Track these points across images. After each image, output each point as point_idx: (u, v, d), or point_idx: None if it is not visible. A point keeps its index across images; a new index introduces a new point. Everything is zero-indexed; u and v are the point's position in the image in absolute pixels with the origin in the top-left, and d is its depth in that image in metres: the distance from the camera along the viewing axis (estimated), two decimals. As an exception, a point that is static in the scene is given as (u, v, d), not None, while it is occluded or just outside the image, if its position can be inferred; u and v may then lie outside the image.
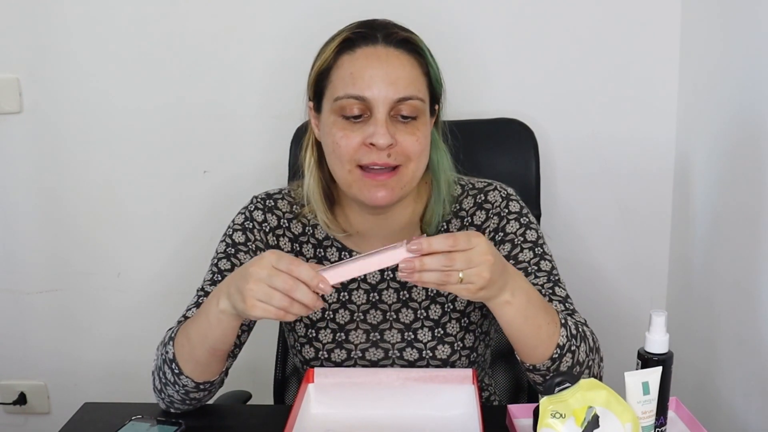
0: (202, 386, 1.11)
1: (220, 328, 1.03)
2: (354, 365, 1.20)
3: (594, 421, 0.89)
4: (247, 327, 1.20)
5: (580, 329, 1.09)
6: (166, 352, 1.11)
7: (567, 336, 1.05)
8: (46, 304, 1.95)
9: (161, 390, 1.13)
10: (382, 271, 1.22)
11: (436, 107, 1.19)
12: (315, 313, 1.21)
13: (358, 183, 1.11)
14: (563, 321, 1.06)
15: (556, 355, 1.05)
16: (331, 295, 1.22)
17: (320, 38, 1.18)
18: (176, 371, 1.09)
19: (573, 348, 1.06)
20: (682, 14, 1.68)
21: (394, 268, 1.20)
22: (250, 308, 0.93)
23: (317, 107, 1.17)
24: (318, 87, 1.16)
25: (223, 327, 1.03)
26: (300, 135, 1.52)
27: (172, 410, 1.15)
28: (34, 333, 1.98)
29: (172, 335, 1.11)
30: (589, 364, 1.09)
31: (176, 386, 1.10)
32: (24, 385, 2.01)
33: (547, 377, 1.06)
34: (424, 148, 1.13)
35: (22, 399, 2.01)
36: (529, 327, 1.02)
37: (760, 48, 1.34)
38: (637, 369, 1.00)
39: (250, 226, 1.23)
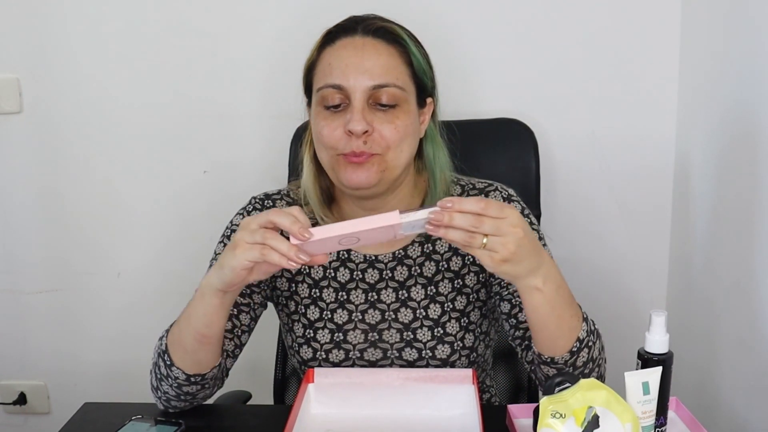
0: (192, 379, 1.10)
1: (202, 306, 1.04)
2: (352, 365, 1.20)
3: (594, 421, 0.89)
4: (247, 328, 1.20)
5: (596, 326, 1.10)
6: (161, 345, 1.12)
7: (587, 331, 1.06)
8: (46, 304, 1.95)
9: (157, 387, 1.13)
10: (380, 271, 1.22)
11: (429, 100, 1.19)
12: (313, 310, 1.22)
13: (338, 166, 1.13)
14: (585, 316, 1.07)
15: (575, 349, 1.05)
16: (329, 295, 1.22)
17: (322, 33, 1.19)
18: (168, 362, 1.10)
19: (590, 344, 1.07)
20: (682, 13, 1.68)
21: (393, 268, 1.21)
22: (238, 257, 0.94)
23: (309, 102, 1.20)
24: (307, 82, 1.19)
25: (205, 304, 1.03)
26: (300, 135, 1.52)
27: (169, 409, 1.16)
28: (34, 333, 1.98)
29: (168, 328, 1.12)
30: (600, 362, 1.10)
31: (169, 379, 1.11)
32: (24, 385, 2.01)
33: (563, 370, 1.06)
34: (404, 136, 1.13)
35: (22, 399, 2.01)
36: (555, 318, 1.02)
37: (760, 47, 1.34)
38: (637, 369, 1.00)
39: (248, 226, 1.23)
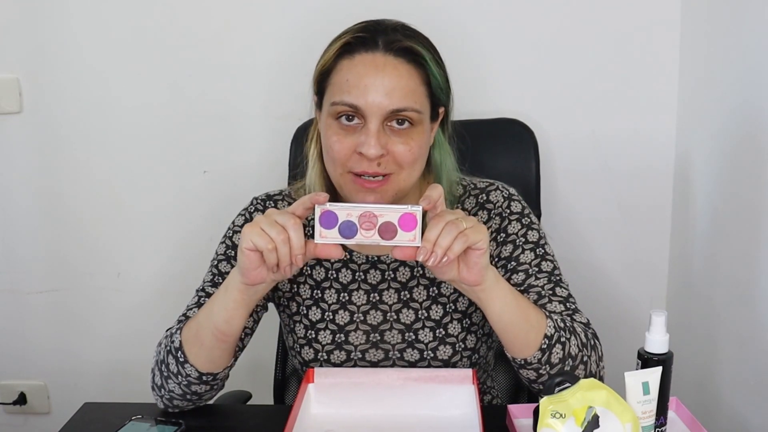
0: (204, 378, 1.11)
1: (224, 300, 1.05)
2: (354, 366, 1.20)
3: (594, 421, 0.89)
4: (249, 330, 1.20)
5: (568, 323, 1.09)
6: (172, 342, 1.11)
7: (555, 327, 1.07)
8: (46, 304, 1.95)
9: (161, 386, 1.13)
10: (383, 272, 1.22)
11: (441, 110, 1.18)
12: (315, 311, 1.22)
13: (348, 186, 1.11)
14: (547, 314, 1.08)
15: (545, 346, 1.05)
16: (329, 295, 1.22)
17: (321, 39, 1.17)
18: (181, 359, 1.10)
19: (563, 339, 1.07)
20: (682, 13, 1.68)
21: (395, 269, 1.21)
22: (246, 235, 0.96)
23: (319, 103, 1.18)
24: (320, 86, 1.16)
25: (227, 298, 1.04)
26: (300, 135, 1.52)
27: (170, 409, 1.16)
28: (34, 333, 1.98)
29: (180, 326, 1.12)
30: (583, 359, 1.09)
31: (179, 377, 1.11)
32: (24, 385, 2.01)
33: (540, 370, 1.07)
34: (418, 157, 1.11)
35: (22, 399, 2.01)
36: (519, 312, 1.04)
37: (760, 46, 1.34)
38: (637, 369, 1.00)
39: (250, 228, 1.23)
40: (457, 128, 1.24)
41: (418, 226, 0.96)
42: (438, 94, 1.14)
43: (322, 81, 1.14)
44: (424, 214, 0.97)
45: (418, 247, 0.96)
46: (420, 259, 0.95)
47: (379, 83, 1.07)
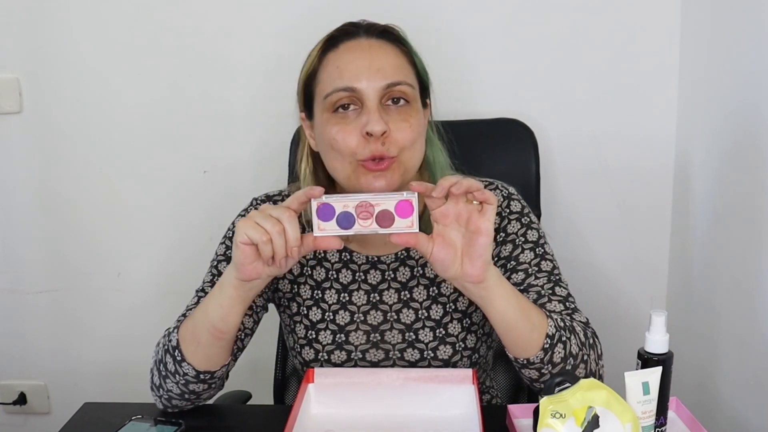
0: (202, 376, 1.10)
1: (219, 297, 1.05)
2: (354, 366, 1.20)
3: (594, 421, 0.89)
4: (250, 330, 1.20)
5: (568, 323, 1.09)
6: (170, 341, 1.11)
7: (555, 327, 1.07)
8: (46, 304, 1.95)
9: (160, 385, 1.13)
10: (383, 272, 1.22)
11: (427, 101, 1.19)
12: (315, 311, 1.22)
13: (356, 173, 1.11)
14: (547, 314, 1.08)
15: (547, 345, 1.05)
16: (329, 295, 1.22)
17: (320, 38, 1.18)
18: (178, 358, 1.09)
19: (564, 339, 1.07)
20: (682, 12, 1.68)
21: (396, 269, 1.21)
22: (240, 229, 0.95)
23: (309, 114, 1.17)
24: (307, 91, 1.16)
25: (222, 295, 1.04)
26: (300, 135, 1.52)
27: (169, 409, 1.15)
28: (34, 333, 1.98)
29: (177, 325, 1.12)
30: (584, 358, 1.09)
31: (177, 376, 1.11)
32: (24, 385, 2.01)
33: (542, 370, 1.07)
34: (418, 134, 1.12)
35: (22, 399, 2.01)
36: (521, 312, 1.04)
37: (760, 45, 1.34)
38: (637, 369, 1.00)
39: (250, 228, 1.23)
40: (444, 125, 1.25)
41: (414, 211, 0.96)
42: (423, 76, 1.17)
43: (309, 85, 1.16)
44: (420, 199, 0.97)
45: (416, 232, 0.97)
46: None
47: (369, 63, 1.10)
